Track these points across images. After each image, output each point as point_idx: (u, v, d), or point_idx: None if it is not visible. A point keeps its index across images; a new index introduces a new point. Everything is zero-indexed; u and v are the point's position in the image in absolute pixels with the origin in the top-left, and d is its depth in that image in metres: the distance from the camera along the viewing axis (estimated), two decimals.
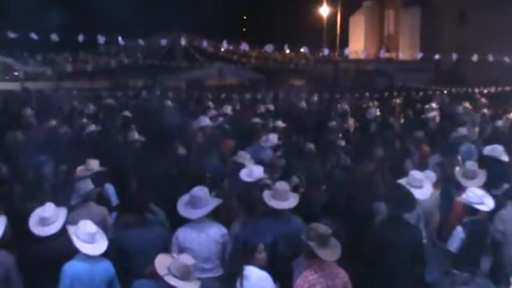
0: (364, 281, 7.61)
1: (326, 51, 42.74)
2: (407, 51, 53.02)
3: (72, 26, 37.06)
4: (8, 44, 38.86)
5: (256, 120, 16.45)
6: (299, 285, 6.73)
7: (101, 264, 7.32)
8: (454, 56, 30.28)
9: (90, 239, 7.28)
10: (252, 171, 10.18)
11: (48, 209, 7.80)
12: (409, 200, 8.46)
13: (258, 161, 11.74)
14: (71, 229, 7.37)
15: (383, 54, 41.21)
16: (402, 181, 9.41)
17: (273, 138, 13.58)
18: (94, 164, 10.55)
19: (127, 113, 17.99)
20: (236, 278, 6.81)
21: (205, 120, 15.90)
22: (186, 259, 6.53)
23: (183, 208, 8.30)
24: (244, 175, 10.22)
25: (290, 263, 7.83)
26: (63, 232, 7.70)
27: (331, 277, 6.77)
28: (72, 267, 7.21)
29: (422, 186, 9.38)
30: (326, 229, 6.94)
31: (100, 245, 7.34)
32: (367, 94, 32.48)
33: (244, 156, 11.76)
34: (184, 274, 6.41)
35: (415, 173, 9.54)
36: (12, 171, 11.30)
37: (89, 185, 9.28)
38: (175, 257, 6.62)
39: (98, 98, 26.97)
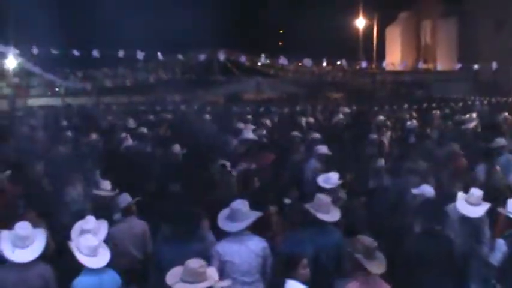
0: None
1: (364, 64, 42.66)
2: (445, 61, 52.74)
3: (112, 43, 37.53)
4: (50, 61, 39.48)
5: (295, 133, 16.44)
6: None
7: (107, 275, 7.36)
8: (494, 65, 29.96)
9: (91, 252, 7.28)
10: (329, 178, 10.17)
11: (89, 222, 7.89)
12: (440, 214, 8.40)
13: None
14: (72, 244, 7.38)
15: (421, 65, 40.85)
16: (460, 197, 9.27)
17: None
18: (107, 185, 10.29)
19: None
20: None
21: (249, 133, 15.94)
22: (195, 263, 6.48)
23: (223, 221, 8.30)
24: (321, 181, 10.23)
25: (330, 276, 7.79)
26: None
27: None
28: (80, 282, 7.24)
29: (479, 203, 9.24)
30: (372, 241, 6.87)
31: (102, 258, 7.35)
32: (405, 106, 32.27)
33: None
34: (195, 277, 6.38)
35: (475, 191, 9.37)
36: (53, 185, 11.46)
37: (127, 199, 9.35)
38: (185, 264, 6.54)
39: (136, 112, 27.10)
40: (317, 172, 12.57)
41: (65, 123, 21.92)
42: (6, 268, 7.14)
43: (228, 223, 8.23)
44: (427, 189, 9.93)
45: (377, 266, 6.73)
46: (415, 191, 9.91)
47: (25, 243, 7.12)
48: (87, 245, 7.27)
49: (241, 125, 20.63)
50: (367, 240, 6.89)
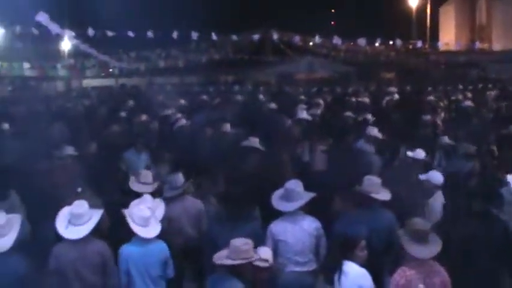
0: (453, 277, 7.47)
1: (419, 44, 42.08)
2: (500, 41, 51.75)
3: (166, 24, 37.73)
4: (104, 42, 39.88)
5: (348, 113, 16.37)
6: (395, 280, 6.61)
7: (155, 246, 7.57)
8: None
9: (144, 222, 7.51)
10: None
11: (146, 201, 8.02)
12: (495, 196, 8.31)
13: None
14: (126, 212, 7.62)
15: (477, 45, 40.11)
16: None
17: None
18: (149, 177, 9.64)
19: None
20: (334, 272, 6.77)
21: (303, 113, 15.94)
22: (239, 241, 6.58)
23: (277, 201, 8.36)
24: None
25: (381, 258, 7.79)
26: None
27: (429, 275, 6.57)
28: (127, 249, 7.52)
29: None
30: (424, 224, 6.79)
31: (153, 229, 7.57)
32: (460, 86, 31.84)
33: (254, 141, 12.11)
34: (239, 255, 6.48)
35: None
36: (109, 164, 11.63)
37: (181, 179, 9.47)
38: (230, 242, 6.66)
39: (189, 93, 27.26)
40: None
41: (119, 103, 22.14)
42: (65, 245, 7.30)
43: (282, 203, 8.28)
44: (435, 176, 9.77)
45: (423, 251, 6.64)
46: (422, 176, 9.79)
47: (80, 220, 7.27)
48: (140, 215, 7.49)
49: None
50: (419, 223, 6.81)
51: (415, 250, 6.60)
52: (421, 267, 6.56)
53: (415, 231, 6.67)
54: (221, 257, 6.54)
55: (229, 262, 6.43)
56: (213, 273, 7.06)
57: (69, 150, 11.93)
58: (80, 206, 7.40)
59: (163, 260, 7.64)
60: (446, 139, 12.66)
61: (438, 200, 9.36)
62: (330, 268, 6.90)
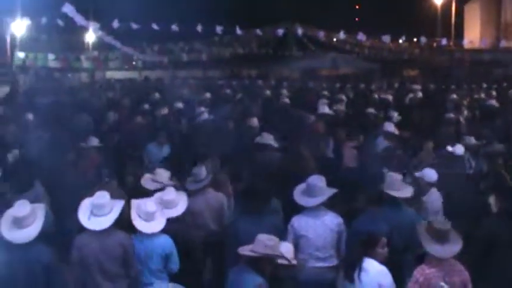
0: (477, 276, 7.43)
1: (444, 41, 41.78)
2: None
3: (190, 17, 37.79)
4: (129, 35, 40.04)
5: (371, 109, 16.34)
6: (415, 277, 6.57)
7: (158, 240, 7.61)
8: None
9: (148, 217, 7.59)
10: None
11: (169, 193, 8.08)
12: None
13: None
14: (132, 205, 7.72)
15: (502, 43, 39.71)
16: None
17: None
18: (165, 175, 9.55)
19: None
20: (354, 268, 6.78)
21: (324, 108, 15.92)
22: (266, 237, 6.63)
23: (299, 196, 8.37)
24: None
25: (401, 256, 7.78)
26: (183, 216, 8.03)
27: (449, 273, 6.53)
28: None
29: None
30: (445, 224, 6.73)
31: (157, 224, 7.61)
32: (484, 85, 31.60)
33: (267, 137, 12.02)
34: (262, 249, 6.51)
35: None
36: (130, 155, 11.74)
37: (204, 172, 9.50)
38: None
39: (213, 87, 27.30)
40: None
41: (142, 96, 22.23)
42: (87, 236, 7.36)
43: (304, 198, 8.29)
44: (429, 173, 9.71)
45: (448, 250, 6.60)
46: (417, 174, 9.77)
47: (102, 211, 7.32)
48: (145, 210, 7.55)
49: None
50: (439, 222, 6.79)
51: (435, 249, 6.58)
52: (441, 265, 6.53)
53: (435, 230, 6.65)
54: (245, 249, 6.59)
55: (251, 254, 6.46)
56: (234, 266, 7.10)
57: (94, 141, 12.01)
58: (102, 196, 7.45)
59: (165, 254, 7.65)
60: (472, 139, 12.54)
61: (433, 197, 9.36)
62: (349, 265, 6.91)
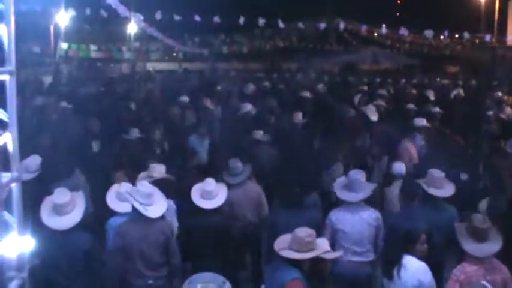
0: None
1: (487, 38, 41.22)
2: None
3: (233, 9, 37.85)
4: (171, 26, 40.23)
5: (411, 105, 16.25)
6: (455, 276, 6.52)
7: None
8: None
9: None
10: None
11: (210, 184, 8.15)
12: None
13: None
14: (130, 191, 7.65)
15: None
16: None
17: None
18: (158, 171, 9.19)
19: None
20: (394, 265, 6.75)
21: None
22: (303, 231, 6.38)
23: (340, 191, 8.38)
24: None
25: (442, 253, 7.74)
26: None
27: (490, 271, 6.48)
28: (114, 221, 7.77)
29: None
30: (483, 222, 6.65)
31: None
32: None
33: (259, 133, 12.23)
34: (302, 246, 6.27)
35: None
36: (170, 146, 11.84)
37: (240, 165, 9.55)
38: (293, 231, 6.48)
39: (254, 79, 27.30)
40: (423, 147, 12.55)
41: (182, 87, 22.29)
42: (130, 223, 7.48)
43: (345, 192, 8.30)
44: (398, 166, 9.99)
45: (487, 249, 6.54)
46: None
47: (149, 200, 7.41)
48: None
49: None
50: (478, 219, 6.70)
51: (473, 248, 6.54)
52: (482, 264, 6.48)
53: (473, 228, 6.60)
54: (283, 247, 6.39)
55: (296, 256, 6.27)
56: (271, 259, 7.11)
57: (136, 132, 12.13)
58: (146, 186, 7.56)
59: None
60: None
61: (396, 190, 9.34)
62: (388, 262, 6.88)
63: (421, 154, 12.34)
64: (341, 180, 8.51)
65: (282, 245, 6.42)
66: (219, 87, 21.40)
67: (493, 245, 6.57)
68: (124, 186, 7.93)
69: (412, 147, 12.32)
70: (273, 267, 6.57)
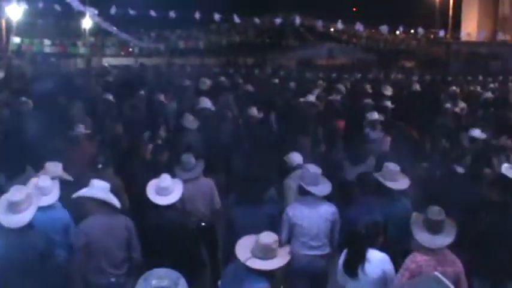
0: (474, 269, 7.42)
1: (442, 33, 41.81)
2: None
3: (188, 4, 37.73)
4: (126, 21, 39.99)
5: (368, 100, 16.34)
6: (406, 264, 6.59)
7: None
8: None
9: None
10: None
11: (165, 180, 8.07)
12: None
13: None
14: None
15: (500, 36, 39.70)
16: None
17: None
18: (53, 170, 8.72)
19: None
20: (358, 261, 6.72)
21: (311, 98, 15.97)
22: (268, 238, 6.23)
23: (305, 184, 8.34)
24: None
25: (397, 246, 7.79)
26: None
27: (442, 263, 6.53)
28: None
29: None
30: (437, 214, 6.68)
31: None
32: (480, 77, 31.66)
33: (188, 118, 12.43)
34: (267, 253, 6.14)
35: None
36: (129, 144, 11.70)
37: (193, 160, 9.52)
38: (256, 237, 6.27)
39: (209, 74, 27.18)
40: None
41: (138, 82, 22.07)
42: (95, 219, 7.43)
43: (311, 186, 8.27)
44: (294, 156, 10.06)
45: (440, 240, 6.58)
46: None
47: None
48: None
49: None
50: (433, 211, 6.72)
51: (425, 238, 6.60)
52: (434, 255, 6.53)
53: (427, 220, 6.64)
54: (248, 256, 6.15)
55: (266, 266, 6.09)
56: (228, 255, 7.03)
57: (82, 128, 11.93)
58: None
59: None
60: (477, 132, 12.48)
61: (291, 181, 9.51)
62: (351, 260, 6.79)
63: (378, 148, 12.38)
64: (302, 173, 8.47)
65: (244, 252, 6.22)
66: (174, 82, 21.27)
67: (446, 238, 6.62)
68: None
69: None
70: (237, 275, 6.24)
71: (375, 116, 13.64)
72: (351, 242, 6.92)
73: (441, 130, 13.57)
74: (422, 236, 6.63)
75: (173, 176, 8.76)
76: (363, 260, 6.65)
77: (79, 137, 11.73)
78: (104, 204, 7.44)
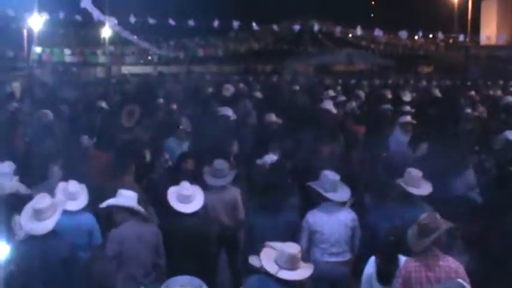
0: (491, 276, 7.37)
1: (461, 37, 41.56)
2: None
3: (207, 12, 37.87)
4: (145, 30, 40.15)
5: (386, 106, 16.31)
6: (400, 271, 6.57)
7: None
8: None
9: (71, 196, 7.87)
10: None
11: (186, 188, 8.12)
12: None
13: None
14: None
15: None
16: None
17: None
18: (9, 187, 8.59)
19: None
20: (390, 268, 6.69)
21: (329, 104, 15.96)
22: (292, 248, 6.22)
23: (323, 190, 8.37)
24: None
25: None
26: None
27: (433, 269, 6.43)
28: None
29: None
30: (429, 220, 6.55)
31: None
32: (500, 81, 31.47)
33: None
34: (294, 264, 6.14)
35: None
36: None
37: (227, 167, 9.53)
38: (278, 248, 6.23)
39: (228, 82, 27.22)
40: (402, 144, 12.61)
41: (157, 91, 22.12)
42: (129, 226, 7.56)
43: (330, 193, 8.29)
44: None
45: (426, 243, 6.46)
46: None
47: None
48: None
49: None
50: (424, 218, 6.59)
51: (413, 242, 6.56)
52: (425, 260, 6.47)
53: (417, 225, 6.58)
54: (275, 267, 6.12)
55: (298, 277, 6.10)
56: (246, 263, 7.03)
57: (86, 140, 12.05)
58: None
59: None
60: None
61: None
62: (384, 268, 6.77)
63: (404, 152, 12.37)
64: (321, 181, 8.46)
65: (270, 263, 6.18)
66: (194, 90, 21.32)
67: (427, 241, 6.52)
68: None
69: None
70: (258, 283, 6.26)
71: (408, 118, 13.64)
72: (382, 249, 6.91)
73: (469, 136, 13.50)
74: (410, 239, 6.59)
75: (201, 182, 8.86)
76: (396, 267, 6.66)
77: (88, 148, 11.81)
78: (134, 212, 7.54)
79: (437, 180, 8.83)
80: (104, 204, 7.68)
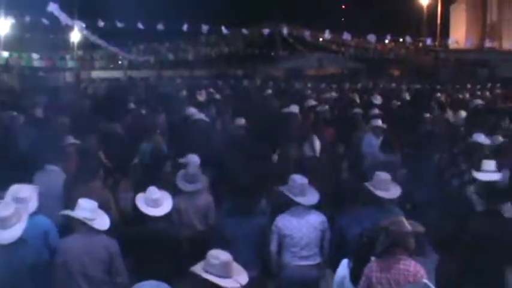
0: (462, 274, 7.39)
1: (429, 41, 41.96)
2: (511, 40, 51.50)
3: (176, 16, 37.78)
4: (114, 34, 39.96)
5: (357, 109, 16.37)
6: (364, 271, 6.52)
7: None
8: None
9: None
10: None
11: (154, 192, 8.03)
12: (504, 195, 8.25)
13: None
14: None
15: (488, 43, 39.83)
16: None
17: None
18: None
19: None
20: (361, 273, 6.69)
21: (295, 108, 15.98)
22: (223, 255, 5.85)
23: (292, 195, 8.34)
24: None
25: None
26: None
27: (393, 272, 6.33)
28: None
29: None
30: (391, 223, 6.44)
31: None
32: (468, 85, 31.79)
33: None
34: (223, 271, 5.75)
35: None
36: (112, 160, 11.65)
37: (200, 173, 9.49)
38: (210, 253, 5.91)
39: (198, 86, 27.25)
40: (374, 147, 12.66)
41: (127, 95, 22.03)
42: (71, 239, 7.32)
43: (298, 197, 8.27)
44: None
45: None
46: None
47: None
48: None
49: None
50: (390, 221, 6.47)
51: (378, 245, 6.46)
52: (387, 262, 6.39)
53: (382, 228, 6.53)
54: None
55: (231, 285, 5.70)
56: None
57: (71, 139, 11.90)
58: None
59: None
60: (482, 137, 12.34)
61: None
62: (357, 267, 6.75)
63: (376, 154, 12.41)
64: (290, 185, 8.44)
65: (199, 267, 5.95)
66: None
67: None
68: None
69: None
70: None
71: (379, 122, 13.69)
72: (356, 251, 6.88)
73: (439, 138, 13.58)
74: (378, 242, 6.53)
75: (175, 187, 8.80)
76: None
77: (69, 149, 11.67)
78: (85, 224, 7.24)
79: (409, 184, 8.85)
80: (61, 213, 7.55)
